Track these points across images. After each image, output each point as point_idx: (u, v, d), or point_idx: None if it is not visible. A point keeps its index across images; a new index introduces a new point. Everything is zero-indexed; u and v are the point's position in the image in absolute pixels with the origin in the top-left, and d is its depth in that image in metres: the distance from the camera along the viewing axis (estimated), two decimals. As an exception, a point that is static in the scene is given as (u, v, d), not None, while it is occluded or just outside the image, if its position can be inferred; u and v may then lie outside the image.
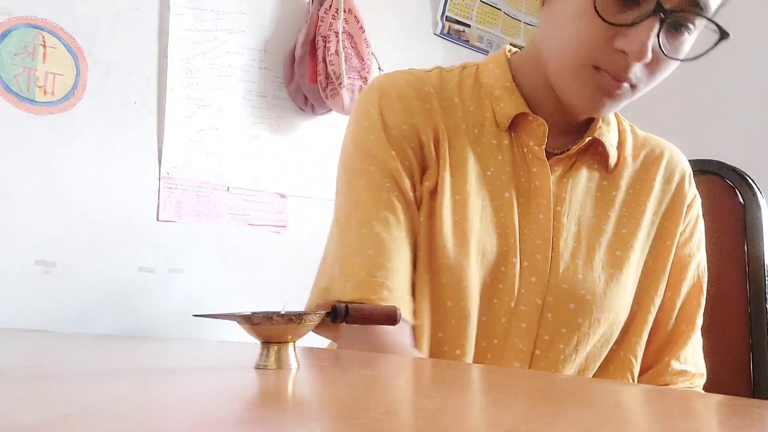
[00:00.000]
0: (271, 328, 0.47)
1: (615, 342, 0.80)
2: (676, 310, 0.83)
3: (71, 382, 0.43)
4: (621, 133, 0.86)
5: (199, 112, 1.71)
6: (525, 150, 0.80)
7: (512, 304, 0.75)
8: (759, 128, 2.05)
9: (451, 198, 0.76)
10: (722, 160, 1.01)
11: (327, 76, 1.78)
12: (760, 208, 0.96)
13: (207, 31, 1.73)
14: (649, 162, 0.86)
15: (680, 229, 0.84)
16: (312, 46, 1.83)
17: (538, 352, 0.75)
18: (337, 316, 0.55)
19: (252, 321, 0.47)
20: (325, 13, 1.83)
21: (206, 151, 1.71)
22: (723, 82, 2.12)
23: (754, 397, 0.93)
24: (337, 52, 1.79)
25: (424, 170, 0.77)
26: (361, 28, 1.86)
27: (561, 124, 0.82)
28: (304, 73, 1.81)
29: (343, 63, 1.78)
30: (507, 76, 0.82)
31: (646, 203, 0.83)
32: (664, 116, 2.15)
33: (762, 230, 0.95)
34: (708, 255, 0.88)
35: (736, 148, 1.98)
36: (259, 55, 1.82)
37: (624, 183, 0.83)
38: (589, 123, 0.83)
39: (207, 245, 1.67)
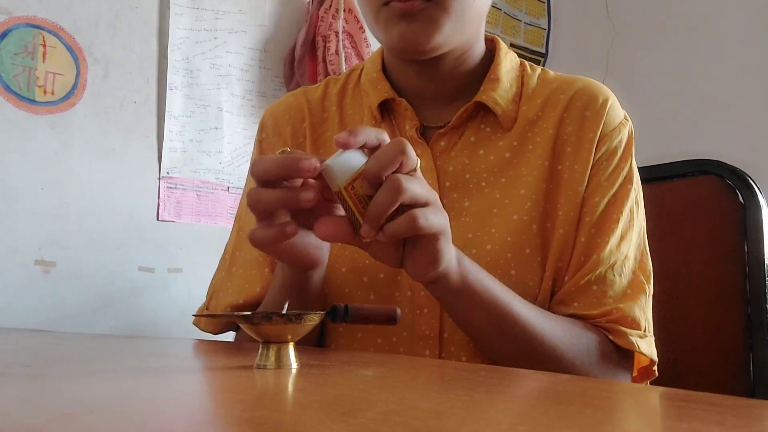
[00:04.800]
0: (270, 328, 0.47)
1: None
2: (570, 259, 0.73)
3: (71, 382, 0.43)
4: (524, 86, 0.79)
5: (199, 112, 1.71)
6: (407, 135, 0.78)
7: (409, 293, 0.73)
8: (759, 128, 2.05)
9: None
10: (722, 160, 1.00)
11: (327, 76, 1.78)
12: (760, 208, 0.96)
13: (207, 30, 1.73)
14: (552, 107, 0.77)
15: (589, 170, 0.74)
16: (312, 45, 1.83)
17: (445, 335, 0.72)
18: (337, 316, 0.55)
19: (252, 321, 0.47)
20: (325, 12, 1.83)
21: (206, 151, 1.71)
22: (723, 81, 2.12)
23: (753, 397, 0.93)
24: (337, 52, 1.79)
25: None
26: (361, 27, 1.86)
27: (442, 96, 0.79)
28: (304, 72, 1.81)
29: (343, 63, 1.78)
30: (376, 66, 0.82)
31: (544, 155, 0.75)
32: (664, 116, 2.16)
33: (762, 230, 0.95)
34: (708, 255, 0.87)
35: (737, 147, 1.98)
36: (259, 54, 1.82)
37: (520, 139, 0.76)
38: (478, 88, 0.78)
39: (207, 245, 1.67)
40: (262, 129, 0.87)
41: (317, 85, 0.88)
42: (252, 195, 0.56)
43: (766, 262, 0.94)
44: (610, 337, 0.71)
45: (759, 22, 2.09)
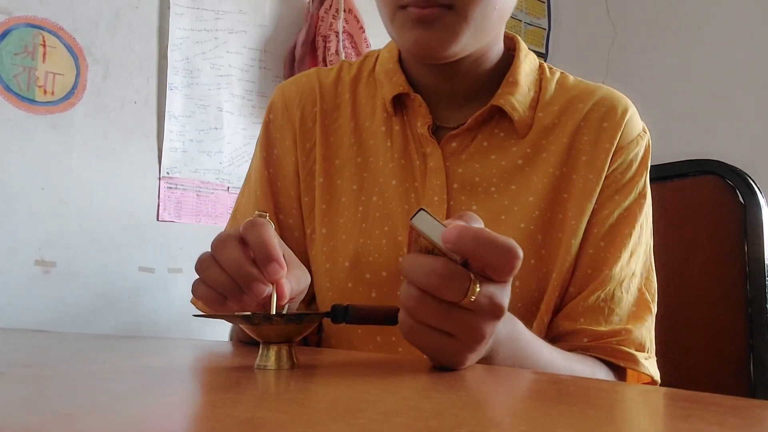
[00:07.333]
0: (270, 328, 0.47)
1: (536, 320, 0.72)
2: (574, 269, 0.72)
3: (71, 382, 0.43)
4: (542, 90, 0.77)
5: (199, 112, 1.71)
6: (419, 132, 0.76)
7: None
8: (759, 128, 2.05)
9: (325, 204, 0.78)
10: (722, 160, 1.00)
11: (327, 76, 1.78)
12: (760, 208, 0.96)
13: (207, 31, 1.73)
14: (569, 115, 0.75)
15: (602, 181, 0.73)
16: (312, 46, 1.83)
17: None
18: (337, 316, 0.55)
19: (252, 321, 0.47)
20: (325, 12, 1.83)
21: (206, 151, 1.71)
22: (723, 81, 2.12)
23: (754, 397, 0.93)
24: (337, 52, 1.79)
25: (299, 185, 0.80)
26: (361, 28, 1.86)
27: (458, 97, 0.77)
28: (304, 73, 1.81)
29: (343, 63, 1.79)
30: (393, 57, 0.79)
31: (556, 163, 0.73)
32: (665, 116, 2.16)
33: (762, 230, 0.95)
34: (708, 255, 0.87)
35: (737, 147, 1.98)
36: (259, 54, 1.82)
37: (533, 147, 0.75)
38: (495, 90, 0.76)
39: (207, 246, 1.67)
40: (270, 110, 0.84)
41: (331, 67, 0.85)
42: (203, 276, 0.55)
43: (766, 262, 0.94)
44: (621, 363, 0.71)
45: (759, 23, 2.09)
